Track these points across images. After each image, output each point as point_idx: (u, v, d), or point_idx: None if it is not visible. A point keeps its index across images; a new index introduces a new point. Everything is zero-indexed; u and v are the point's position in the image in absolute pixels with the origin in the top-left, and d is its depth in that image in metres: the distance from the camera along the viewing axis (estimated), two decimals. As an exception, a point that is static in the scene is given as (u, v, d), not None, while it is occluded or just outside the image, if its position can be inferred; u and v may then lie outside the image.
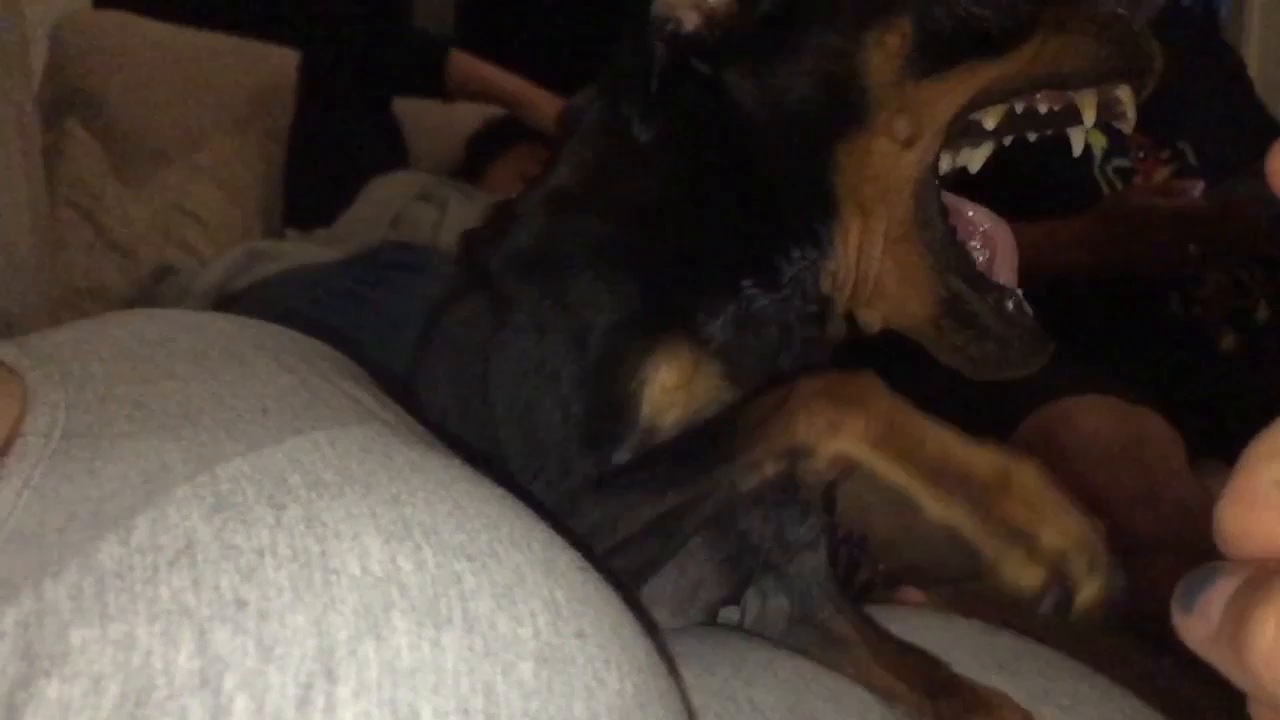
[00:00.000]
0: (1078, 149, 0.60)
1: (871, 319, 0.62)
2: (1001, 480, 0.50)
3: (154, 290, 1.72)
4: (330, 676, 0.34)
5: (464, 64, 2.14)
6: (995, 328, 0.58)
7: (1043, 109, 0.58)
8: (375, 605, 0.35)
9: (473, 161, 2.14)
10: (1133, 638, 1.34)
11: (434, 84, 2.15)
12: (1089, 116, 0.58)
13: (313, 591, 0.35)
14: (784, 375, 0.61)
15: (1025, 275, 1.76)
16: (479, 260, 0.64)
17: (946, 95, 0.58)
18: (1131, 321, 1.70)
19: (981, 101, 0.58)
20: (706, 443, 0.55)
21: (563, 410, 0.57)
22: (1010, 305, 0.59)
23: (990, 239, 0.61)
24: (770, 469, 0.53)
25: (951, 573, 1.75)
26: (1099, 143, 1.79)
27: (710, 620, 0.67)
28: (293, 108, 2.07)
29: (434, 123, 2.22)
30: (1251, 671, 0.25)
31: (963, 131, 0.60)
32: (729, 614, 0.68)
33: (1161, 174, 1.77)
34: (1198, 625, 0.27)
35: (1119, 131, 1.88)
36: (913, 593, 0.83)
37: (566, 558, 0.42)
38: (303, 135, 2.07)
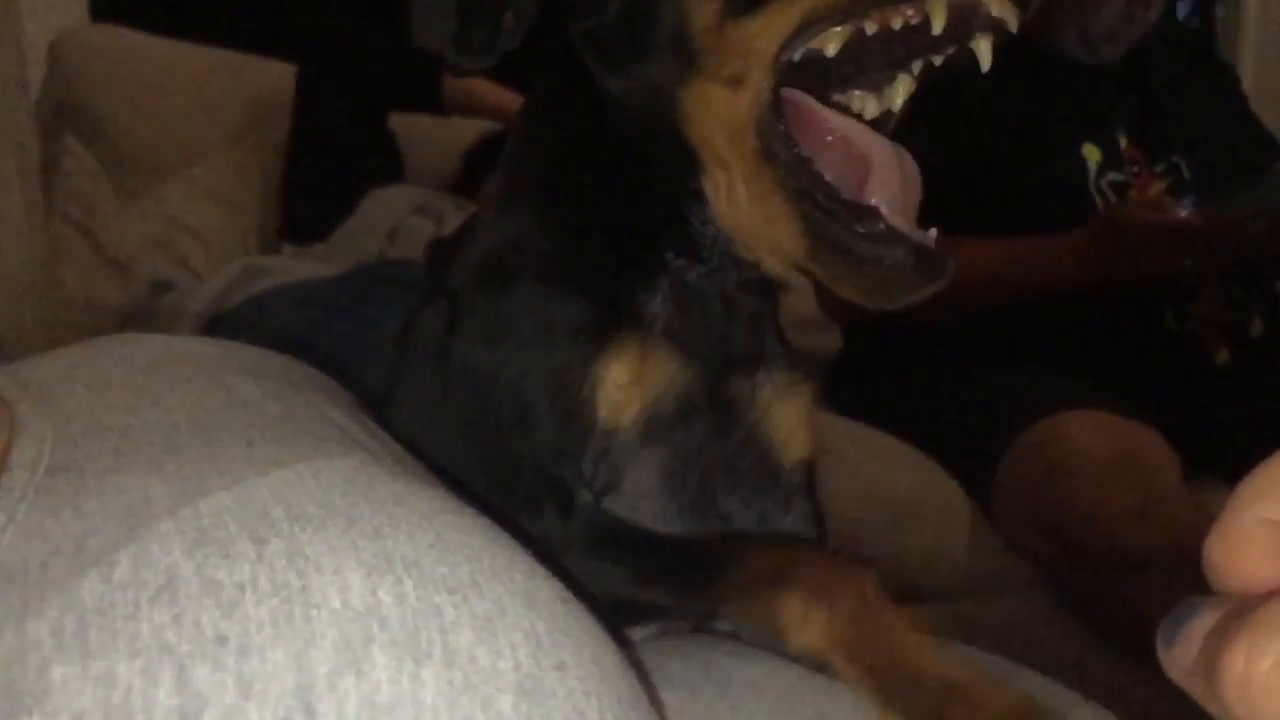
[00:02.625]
0: (984, 62, 0.57)
1: (772, 266, 0.61)
2: (949, 692, 0.51)
3: (150, 306, 1.72)
4: (309, 712, 0.34)
5: (460, 79, 2.15)
6: (861, 250, 0.55)
7: (896, 25, 0.56)
8: (355, 639, 0.36)
9: (469, 176, 2.14)
10: (1130, 661, 1.34)
11: (430, 99, 2.16)
12: (937, 23, 0.55)
13: (293, 626, 0.35)
14: (738, 355, 0.63)
15: (1022, 290, 1.76)
16: (441, 270, 0.66)
17: (765, 31, 0.56)
18: (1126, 336, 1.70)
19: (813, 29, 0.56)
20: (701, 568, 0.57)
21: (521, 424, 0.58)
22: (881, 226, 0.55)
23: (863, 161, 0.57)
24: (749, 627, 0.59)
25: (942, 592, 1.74)
26: (1093, 157, 1.80)
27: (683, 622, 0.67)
28: (290, 122, 2.08)
29: (430, 137, 2.23)
30: (1224, 705, 0.25)
31: (807, 64, 0.57)
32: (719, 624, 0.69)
33: (1156, 188, 1.77)
34: (1179, 658, 0.27)
35: (1115, 145, 1.89)
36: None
37: (549, 588, 0.43)
38: (300, 149, 2.07)
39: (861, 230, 0.55)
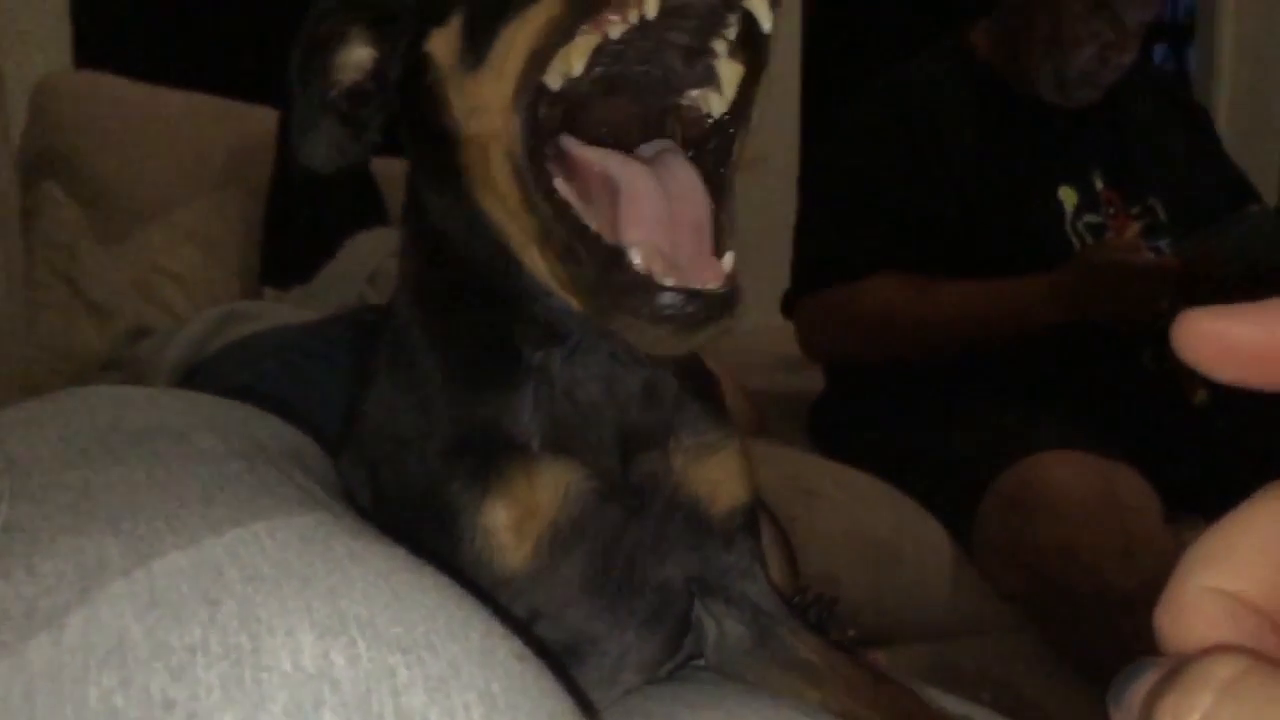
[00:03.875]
0: (764, 24, 0.52)
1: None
2: None
3: (129, 352, 1.71)
4: None
5: None
6: (618, 300, 0.49)
7: (634, 17, 0.50)
8: (306, 703, 0.35)
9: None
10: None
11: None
12: (650, 8, 0.49)
13: (243, 690, 0.35)
14: (641, 433, 0.59)
15: (1000, 331, 1.76)
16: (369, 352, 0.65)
17: (495, 78, 0.53)
18: (1105, 377, 1.71)
19: (545, 59, 0.51)
20: None
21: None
22: (629, 274, 0.49)
23: (614, 193, 0.51)
24: None
25: (925, 633, 1.73)
26: (1070, 199, 1.81)
27: (649, 677, 0.67)
28: (271, 166, 2.08)
29: (412, 181, 2.24)
30: None
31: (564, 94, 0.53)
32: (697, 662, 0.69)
33: (1132, 230, 1.79)
34: (1124, 719, 0.28)
35: (1091, 188, 1.90)
36: (876, 657, 0.83)
37: (506, 647, 0.42)
38: (281, 193, 2.08)
39: (615, 279, 0.49)
